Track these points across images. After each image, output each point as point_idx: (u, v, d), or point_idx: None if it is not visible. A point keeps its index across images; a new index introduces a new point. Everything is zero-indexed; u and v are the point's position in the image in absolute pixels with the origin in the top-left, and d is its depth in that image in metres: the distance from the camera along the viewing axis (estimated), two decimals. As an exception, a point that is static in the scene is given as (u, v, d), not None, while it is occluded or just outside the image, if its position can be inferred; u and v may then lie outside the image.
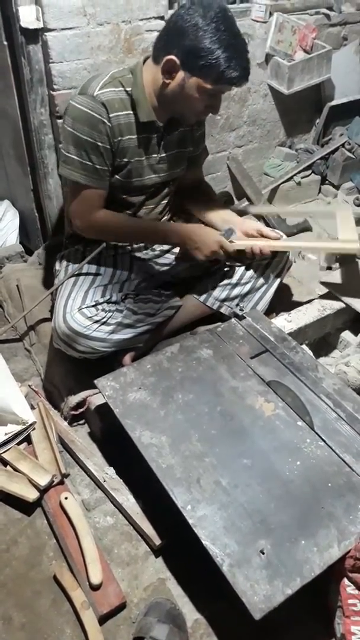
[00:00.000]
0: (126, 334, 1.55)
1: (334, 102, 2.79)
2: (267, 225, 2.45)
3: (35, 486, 1.37)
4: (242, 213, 1.94)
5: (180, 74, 1.37)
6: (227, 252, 1.59)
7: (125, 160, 1.50)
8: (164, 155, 1.57)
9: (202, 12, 1.29)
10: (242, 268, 1.73)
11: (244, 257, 1.70)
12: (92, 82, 1.42)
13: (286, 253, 1.75)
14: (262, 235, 1.68)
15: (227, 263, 1.72)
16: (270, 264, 1.73)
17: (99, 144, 1.41)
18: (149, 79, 1.44)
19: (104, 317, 1.49)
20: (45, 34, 1.81)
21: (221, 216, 1.73)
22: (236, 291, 1.74)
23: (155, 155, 1.56)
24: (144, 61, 1.47)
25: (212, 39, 1.29)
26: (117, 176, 1.51)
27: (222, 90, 1.42)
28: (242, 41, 1.36)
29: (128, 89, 1.44)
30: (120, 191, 1.55)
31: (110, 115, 1.40)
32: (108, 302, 1.53)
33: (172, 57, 1.34)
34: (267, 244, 1.65)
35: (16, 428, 1.48)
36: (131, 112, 1.45)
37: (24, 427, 1.49)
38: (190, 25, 1.29)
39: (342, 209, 2.05)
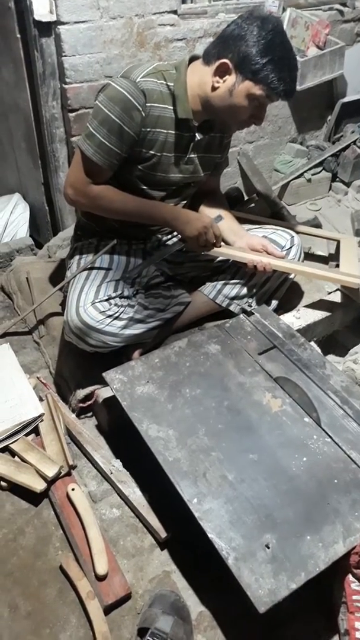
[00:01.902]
0: (137, 329, 1.55)
1: (346, 99, 2.78)
2: (281, 219, 2.45)
3: (43, 477, 1.38)
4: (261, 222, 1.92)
5: (232, 78, 1.40)
6: (215, 235, 1.58)
7: (152, 152, 1.50)
8: (192, 156, 1.58)
9: (259, 24, 1.35)
10: None
11: (243, 269, 1.71)
12: (136, 69, 1.43)
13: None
14: (267, 252, 1.68)
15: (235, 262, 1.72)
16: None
17: (125, 128, 1.40)
18: (194, 79, 1.45)
19: (116, 312, 1.50)
20: (59, 27, 1.82)
21: (231, 228, 1.73)
22: (246, 289, 1.74)
23: (184, 155, 1.56)
24: (190, 61, 1.49)
25: (267, 48, 1.34)
26: (140, 166, 1.51)
27: (271, 99, 1.44)
28: (293, 57, 1.42)
29: (170, 84, 1.45)
30: (142, 182, 1.56)
31: (147, 104, 1.41)
32: (120, 296, 1.53)
33: (227, 60, 1.38)
34: (269, 261, 1.64)
35: (24, 419, 1.49)
36: (169, 106, 1.46)
37: (31, 418, 1.50)
38: (248, 33, 1.35)
39: (345, 238, 2.04)
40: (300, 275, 1.81)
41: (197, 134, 1.53)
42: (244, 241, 1.69)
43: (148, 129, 1.45)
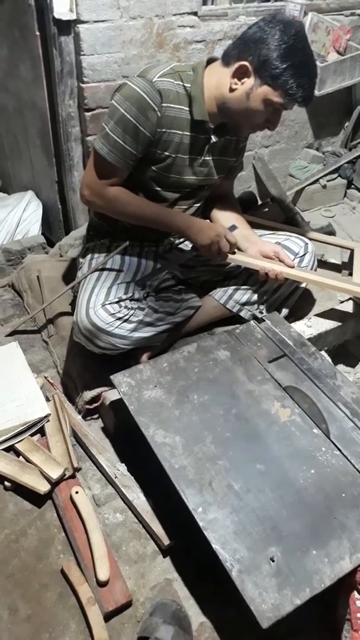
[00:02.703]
0: (147, 332, 1.54)
1: (364, 106, 2.75)
2: (294, 224, 2.43)
3: (47, 478, 1.37)
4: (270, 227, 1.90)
5: (250, 81, 1.38)
6: (230, 243, 1.56)
7: (167, 153, 1.48)
8: (207, 158, 1.57)
9: (282, 28, 1.33)
10: None
11: (255, 275, 1.69)
12: (153, 69, 1.42)
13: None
14: (279, 259, 1.66)
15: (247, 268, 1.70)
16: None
17: (141, 128, 1.39)
18: (211, 81, 1.44)
19: (126, 315, 1.49)
20: (78, 25, 1.82)
21: (243, 234, 1.71)
22: (257, 296, 1.72)
23: (199, 157, 1.55)
24: (207, 63, 1.47)
25: (287, 53, 1.32)
26: (154, 167, 1.50)
27: (286, 105, 1.42)
28: (314, 64, 1.41)
29: (187, 85, 1.44)
30: (156, 183, 1.54)
31: (163, 104, 1.40)
32: (131, 299, 1.52)
33: (246, 63, 1.37)
34: (280, 268, 1.62)
35: (30, 419, 1.48)
36: (185, 108, 1.45)
37: (37, 418, 1.49)
38: (270, 36, 1.33)
39: None
40: (312, 284, 1.79)
41: (212, 137, 1.52)
42: (256, 248, 1.67)
43: (164, 130, 1.44)
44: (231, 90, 1.41)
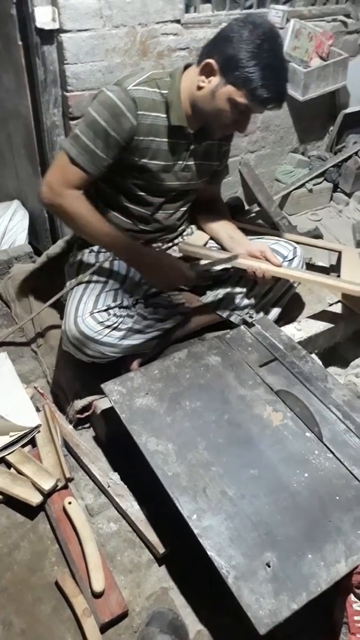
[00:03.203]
0: (136, 340, 1.54)
1: (348, 110, 2.78)
2: (281, 229, 2.45)
3: (39, 490, 1.36)
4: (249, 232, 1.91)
5: (216, 79, 1.37)
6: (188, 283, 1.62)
7: (145, 160, 1.48)
8: (189, 163, 1.57)
9: (251, 28, 1.30)
10: None
11: (244, 280, 1.70)
12: (129, 78, 1.42)
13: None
14: (266, 259, 1.66)
15: (239, 273, 1.71)
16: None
17: (112, 134, 1.38)
18: (186, 84, 1.44)
19: (115, 322, 1.48)
20: (61, 35, 1.81)
21: (230, 235, 1.72)
22: (247, 300, 1.73)
23: (181, 162, 1.55)
24: (185, 68, 1.47)
25: (253, 53, 1.30)
26: (135, 174, 1.50)
27: (252, 108, 1.40)
28: (283, 66, 1.37)
29: (164, 91, 1.43)
30: (139, 189, 1.54)
31: (138, 112, 1.39)
32: (120, 307, 1.51)
33: (212, 61, 1.36)
34: (267, 267, 1.63)
35: (21, 430, 1.47)
36: (162, 114, 1.44)
37: (28, 430, 1.48)
38: (237, 35, 1.31)
39: (347, 249, 2.03)
40: (301, 282, 1.79)
41: (192, 144, 1.52)
42: (243, 248, 1.68)
43: (140, 138, 1.44)
44: (199, 88, 1.40)
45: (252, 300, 1.74)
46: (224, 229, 1.76)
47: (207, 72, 1.37)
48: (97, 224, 1.47)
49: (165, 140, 1.48)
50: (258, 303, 1.74)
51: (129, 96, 1.38)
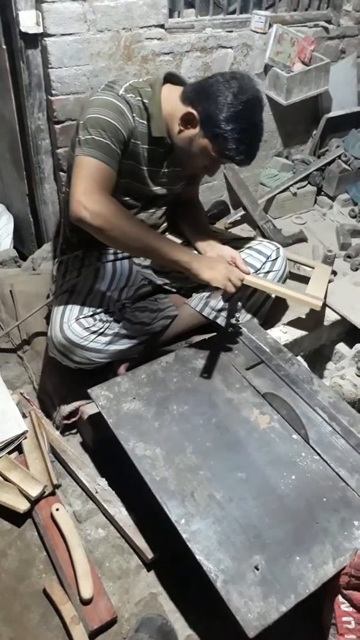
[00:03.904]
0: (123, 345, 1.53)
1: (331, 114, 2.81)
2: (263, 235, 2.47)
3: (26, 497, 1.35)
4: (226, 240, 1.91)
5: (195, 130, 1.43)
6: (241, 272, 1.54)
7: (133, 163, 1.50)
8: (167, 170, 1.59)
9: (236, 91, 1.36)
10: None
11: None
12: (115, 85, 1.44)
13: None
14: (235, 265, 1.63)
15: None
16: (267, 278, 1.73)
17: (120, 129, 1.38)
18: (167, 105, 1.46)
19: (101, 328, 1.47)
20: (45, 39, 1.81)
21: (202, 238, 1.73)
22: (233, 302, 1.73)
23: (159, 169, 1.57)
24: (164, 80, 1.49)
25: (233, 117, 1.36)
26: (119, 177, 1.50)
27: (224, 162, 1.49)
28: (258, 132, 1.44)
29: (145, 100, 1.46)
30: (122, 192, 1.54)
31: (134, 115, 1.43)
32: (106, 311, 1.51)
33: (194, 112, 1.40)
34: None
35: (7, 437, 1.45)
36: (145, 122, 1.47)
37: (14, 436, 1.46)
38: (222, 96, 1.36)
39: (321, 266, 2.06)
40: (263, 290, 1.76)
41: (171, 150, 1.54)
42: (215, 251, 1.68)
43: (132, 140, 1.46)
44: (179, 131, 1.46)
45: (238, 303, 1.75)
46: (198, 230, 1.76)
47: (188, 120, 1.42)
48: (144, 226, 1.46)
49: (147, 147, 1.51)
50: (243, 306, 1.75)
51: (124, 99, 1.41)
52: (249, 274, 1.64)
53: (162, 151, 1.54)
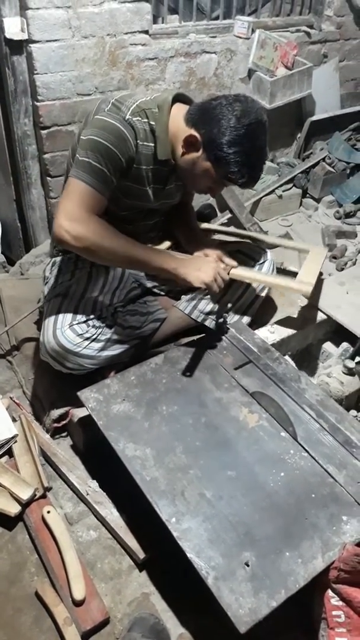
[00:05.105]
0: (115, 350, 1.54)
1: (314, 118, 2.85)
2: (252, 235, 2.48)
3: (17, 500, 1.35)
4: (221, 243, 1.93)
5: (198, 153, 1.42)
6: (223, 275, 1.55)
7: (138, 187, 1.50)
8: (171, 186, 1.60)
9: (239, 114, 1.36)
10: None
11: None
12: (122, 106, 1.42)
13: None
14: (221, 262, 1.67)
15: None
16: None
17: (119, 156, 1.37)
18: (173, 125, 1.45)
19: (94, 334, 1.48)
20: (30, 45, 1.82)
21: (188, 237, 1.75)
22: (221, 304, 1.75)
23: (163, 187, 1.57)
24: (174, 100, 1.47)
25: (236, 141, 1.35)
26: (120, 195, 1.50)
27: (227, 184, 1.50)
28: (262, 156, 1.45)
29: (152, 122, 1.45)
30: (124, 209, 1.55)
31: (137, 141, 1.42)
32: (99, 317, 1.51)
33: (197, 135, 1.40)
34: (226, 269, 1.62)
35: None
36: (151, 144, 1.46)
37: (4, 440, 1.47)
38: (225, 119, 1.36)
39: (316, 250, 2.06)
40: (250, 282, 1.79)
41: (175, 169, 1.53)
42: (201, 251, 1.69)
43: (135, 166, 1.45)
44: (182, 154, 1.45)
45: (227, 305, 1.76)
46: (189, 232, 1.78)
47: (191, 143, 1.42)
48: (129, 241, 1.41)
49: (151, 167, 1.50)
50: (231, 308, 1.77)
51: (128, 125, 1.39)
52: (235, 267, 1.66)
53: (167, 170, 1.53)
